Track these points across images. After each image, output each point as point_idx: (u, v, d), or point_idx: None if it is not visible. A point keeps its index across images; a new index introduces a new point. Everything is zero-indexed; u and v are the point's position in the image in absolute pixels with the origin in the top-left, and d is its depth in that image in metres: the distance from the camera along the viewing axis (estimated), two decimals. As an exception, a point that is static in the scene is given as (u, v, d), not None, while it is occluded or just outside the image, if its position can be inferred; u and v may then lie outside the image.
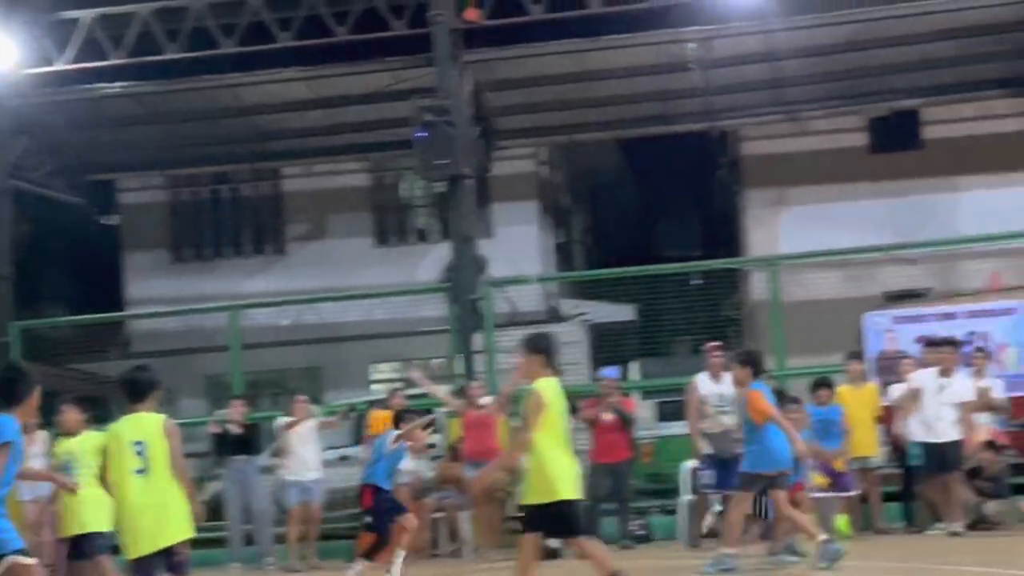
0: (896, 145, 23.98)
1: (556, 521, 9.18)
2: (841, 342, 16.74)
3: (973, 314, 17.33)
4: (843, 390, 14.77)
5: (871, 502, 15.16)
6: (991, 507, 14.88)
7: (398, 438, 12.77)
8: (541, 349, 9.40)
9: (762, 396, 11.57)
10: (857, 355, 15.87)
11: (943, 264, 22.13)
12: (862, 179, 23.77)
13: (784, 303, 17.83)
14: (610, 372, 16.13)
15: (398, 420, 13.07)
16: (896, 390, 14.98)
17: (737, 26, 19.93)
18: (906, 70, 21.22)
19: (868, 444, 14.94)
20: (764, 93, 21.95)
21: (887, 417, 15.25)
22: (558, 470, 9.07)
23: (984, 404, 15.08)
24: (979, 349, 15.96)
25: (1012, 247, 21.16)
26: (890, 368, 15.46)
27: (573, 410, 14.89)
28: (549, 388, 9.19)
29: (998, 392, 15.44)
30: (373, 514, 12.63)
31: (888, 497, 15.53)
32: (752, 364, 11.81)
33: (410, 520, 12.78)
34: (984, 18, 19.76)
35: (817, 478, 13.94)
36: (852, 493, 14.42)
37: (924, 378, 14.70)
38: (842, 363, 15.62)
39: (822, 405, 14.28)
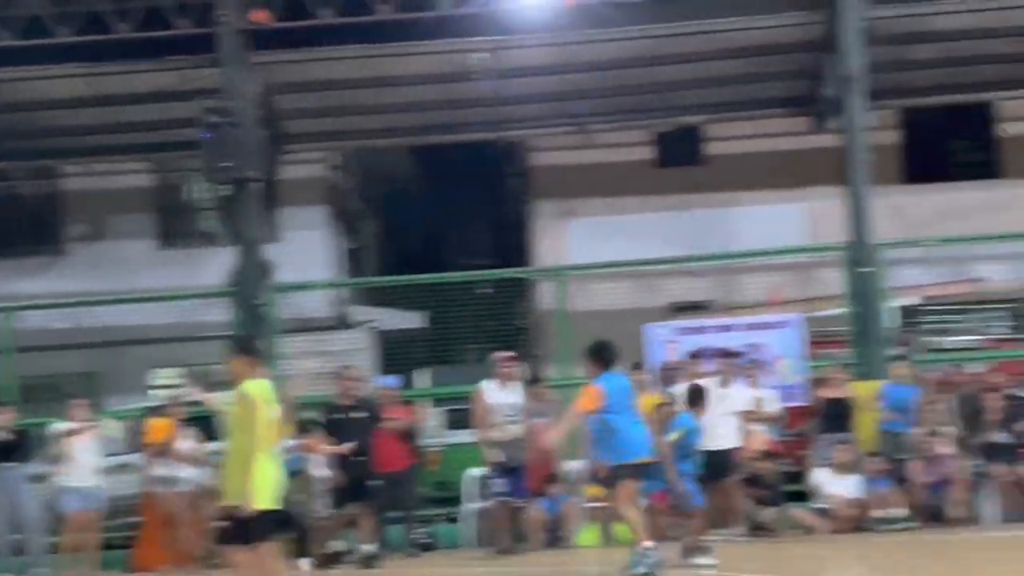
0: (680, 160, 24.40)
1: (238, 525, 9.04)
2: (627, 352, 16.95)
3: (751, 326, 17.82)
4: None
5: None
6: (767, 514, 15.32)
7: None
8: (248, 350, 9.34)
9: (588, 392, 11.43)
10: (639, 365, 16.14)
11: (725, 277, 22.65)
12: (649, 192, 24.14)
13: (571, 313, 18.02)
14: (389, 381, 16.10)
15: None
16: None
17: (527, 38, 20.06)
18: (691, 87, 21.63)
19: (649, 453, 15.17)
20: (553, 105, 22.11)
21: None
22: (256, 476, 8.92)
23: (761, 414, 15.55)
24: (752, 360, 16.44)
25: (789, 261, 21.86)
26: (671, 378, 15.76)
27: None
28: (259, 390, 9.07)
29: (774, 403, 15.93)
30: None
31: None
32: (600, 357, 11.66)
33: None
34: (767, 39, 20.29)
35: (592, 489, 14.15)
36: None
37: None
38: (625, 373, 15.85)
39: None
